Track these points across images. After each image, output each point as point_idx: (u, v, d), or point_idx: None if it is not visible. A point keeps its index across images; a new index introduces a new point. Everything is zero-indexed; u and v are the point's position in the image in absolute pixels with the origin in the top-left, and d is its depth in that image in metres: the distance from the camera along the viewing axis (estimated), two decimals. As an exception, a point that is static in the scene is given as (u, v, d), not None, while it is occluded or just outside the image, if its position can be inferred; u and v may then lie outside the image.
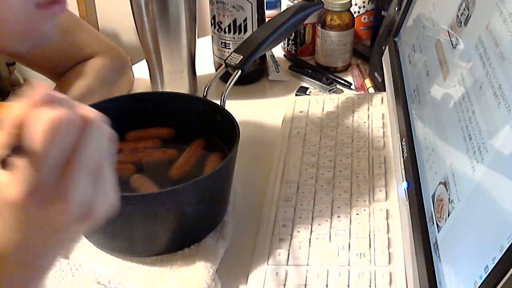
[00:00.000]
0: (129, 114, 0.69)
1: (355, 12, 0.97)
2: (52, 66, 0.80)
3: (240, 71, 0.72)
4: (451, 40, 0.59)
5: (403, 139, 0.64)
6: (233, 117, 0.64)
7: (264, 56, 0.95)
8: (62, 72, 0.79)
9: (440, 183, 0.52)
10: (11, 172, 0.36)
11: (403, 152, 0.63)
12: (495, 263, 0.38)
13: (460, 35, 0.57)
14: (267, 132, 0.82)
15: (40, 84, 0.37)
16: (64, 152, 0.36)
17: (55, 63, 0.79)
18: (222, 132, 0.66)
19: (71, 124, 0.36)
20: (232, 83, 0.71)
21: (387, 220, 0.62)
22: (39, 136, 0.35)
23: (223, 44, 0.91)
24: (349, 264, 0.58)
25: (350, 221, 0.62)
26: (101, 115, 0.39)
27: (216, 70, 0.83)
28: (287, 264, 0.58)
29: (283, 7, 1.02)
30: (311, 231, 0.62)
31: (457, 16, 0.59)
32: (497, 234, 0.39)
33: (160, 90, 0.89)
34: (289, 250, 0.60)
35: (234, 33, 0.88)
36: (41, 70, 0.82)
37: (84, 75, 0.78)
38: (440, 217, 0.49)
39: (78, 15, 1.84)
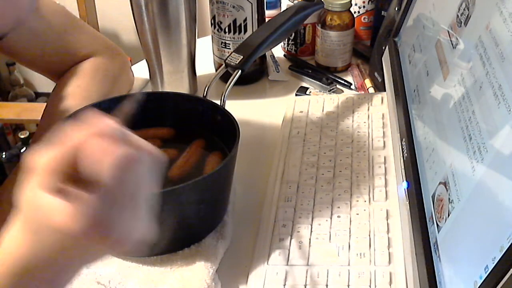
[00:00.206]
0: (129, 114, 0.69)
1: (355, 12, 0.97)
2: (50, 66, 0.80)
3: (240, 71, 0.72)
4: (451, 40, 0.59)
5: (403, 139, 0.64)
6: (233, 117, 0.64)
7: (264, 56, 0.95)
8: (61, 72, 0.79)
9: (440, 183, 0.52)
10: (69, 201, 0.36)
11: (403, 152, 0.63)
12: (495, 263, 0.38)
13: (460, 35, 0.57)
14: (267, 132, 0.82)
15: (95, 112, 0.37)
16: (122, 185, 0.37)
17: (53, 63, 0.79)
18: (222, 132, 0.66)
19: (135, 161, 0.37)
20: (232, 83, 0.71)
21: (387, 220, 0.62)
22: (107, 171, 0.35)
23: (223, 44, 0.91)
24: (349, 264, 0.58)
25: (350, 221, 0.62)
26: (153, 147, 0.39)
27: (216, 70, 0.83)
28: (287, 264, 0.58)
29: (283, 7, 1.02)
30: (311, 231, 0.62)
31: (457, 16, 0.59)
32: (497, 234, 0.39)
33: (160, 90, 0.89)
34: (289, 250, 0.60)
35: (234, 33, 0.88)
36: (39, 70, 0.82)
37: (83, 74, 0.78)
38: (440, 217, 0.49)
39: (78, 15, 1.84)
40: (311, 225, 0.62)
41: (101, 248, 0.39)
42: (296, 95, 0.91)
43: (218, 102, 0.69)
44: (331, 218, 0.63)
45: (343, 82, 0.93)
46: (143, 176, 0.38)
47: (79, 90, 0.76)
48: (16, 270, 0.39)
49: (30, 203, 0.38)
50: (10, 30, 0.62)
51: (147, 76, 0.90)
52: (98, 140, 0.37)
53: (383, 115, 0.80)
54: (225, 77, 0.74)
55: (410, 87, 0.70)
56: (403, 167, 0.62)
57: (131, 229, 0.39)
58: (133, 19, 0.83)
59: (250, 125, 0.83)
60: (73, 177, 0.37)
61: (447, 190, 0.50)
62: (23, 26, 0.71)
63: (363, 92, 0.90)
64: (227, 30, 0.88)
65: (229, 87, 0.70)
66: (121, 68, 0.85)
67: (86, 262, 0.41)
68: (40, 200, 0.37)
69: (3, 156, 2.02)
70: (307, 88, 0.92)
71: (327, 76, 0.94)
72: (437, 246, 0.49)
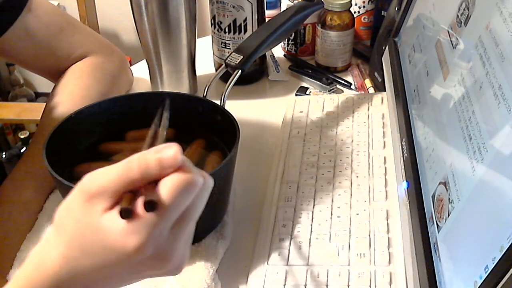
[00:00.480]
0: (129, 114, 0.69)
1: (355, 12, 0.97)
2: (47, 66, 0.80)
3: (240, 71, 0.72)
4: (451, 40, 0.59)
5: (403, 139, 0.64)
6: (233, 117, 0.64)
7: (264, 56, 0.95)
8: (58, 72, 0.79)
9: (440, 183, 0.52)
10: (130, 221, 0.36)
11: (403, 152, 0.63)
12: (495, 263, 0.38)
13: (460, 35, 0.57)
14: (267, 132, 0.82)
15: (171, 147, 0.37)
16: (183, 208, 0.37)
17: (49, 63, 0.79)
18: (222, 132, 0.66)
19: (197, 187, 0.37)
20: (232, 83, 0.71)
21: (387, 220, 0.62)
22: (173, 193, 0.36)
23: (223, 44, 0.91)
24: (349, 264, 0.58)
25: (350, 221, 0.62)
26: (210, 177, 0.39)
27: (216, 70, 0.83)
28: (287, 264, 0.58)
29: (283, 7, 1.02)
30: (311, 231, 0.62)
31: (457, 16, 0.59)
32: (497, 234, 0.39)
33: (160, 90, 0.89)
34: (289, 250, 0.60)
35: (234, 33, 0.88)
36: (36, 70, 0.82)
37: (81, 73, 0.78)
38: (440, 217, 0.49)
39: (78, 15, 1.84)
40: (311, 225, 0.62)
41: (156, 274, 0.39)
42: (296, 95, 0.91)
43: (218, 102, 0.69)
44: (331, 218, 0.63)
45: (343, 82, 0.93)
46: (200, 202, 0.39)
47: (77, 89, 0.76)
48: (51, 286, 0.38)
49: (80, 220, 0.38)
50: None
51: (147, 76, 0.90)
52: (162, 164, 0.37)
53: (383, 115, 0.80)
54: (225, 77, 0.74)
55: (410, 87, 0.70)
56: (403, 167, 0.62)
57: (185, 254, 0.40)
58: (133, 19, 0.83)
59: (250, 125, 0.83)
60: (132, 198, 0.37)
61: (447, 190, 0.50)
62: (19, 26, 0.72)
63: (363, 92, 0.90)
64: (227, 30, 0.88)
65: (229, 87, 0.70)
66: (119, 67, 0.85)
67: (128, 283, 0.41)
68: (97, 219, 0.37)
69: (3, 156, 2.02)
70: (307, 88, 0.92)
71: (327, 76, 0.94)
72: (437, 246, 0.49)
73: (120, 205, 0.36)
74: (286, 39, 1.00)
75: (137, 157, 0.37)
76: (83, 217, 0.37)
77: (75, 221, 0.38)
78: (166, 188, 0.36)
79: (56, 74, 0.80)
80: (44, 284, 0.38)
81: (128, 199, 0.37)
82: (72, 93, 0.75)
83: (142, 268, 0.38)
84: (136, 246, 0.36)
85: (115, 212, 0.36)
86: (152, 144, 0.44)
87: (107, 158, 0.66)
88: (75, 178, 0.62)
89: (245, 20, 0.87)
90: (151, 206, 0.36)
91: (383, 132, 0.76)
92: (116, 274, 0.39)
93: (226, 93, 0.70)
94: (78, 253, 0.38)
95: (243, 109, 0.82)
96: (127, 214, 0.36)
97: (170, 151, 0.37)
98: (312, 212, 0.64)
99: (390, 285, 0.55)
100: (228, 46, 0.90)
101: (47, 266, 0.38)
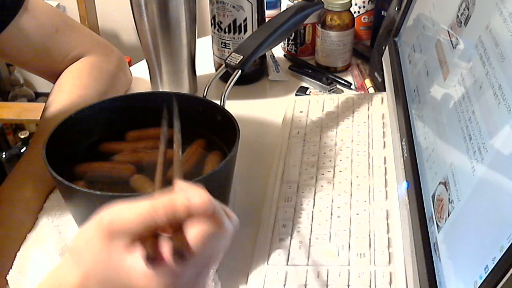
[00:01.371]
0: (129, 114, 0.69)
1: (355, 12, 0.97)
2: (44, 66, 0.80)
3: (240, 71, 0.72)
4: (451, 40, 0.59)
5: (403, 139, 0.64)
6: (233, 117, 0.64)
7: (264, 56, 0.95)
8: (56, 72, 0.79)
9: (440, 183, 0.52)
10: (155, 266, 0.35)
11: (403, 152, 0.63)
12: (495, 263, 0.38)
13: (460, 35, 0.57)
14: (267, 132, 0.82)
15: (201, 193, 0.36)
16: (206, 256, 0.37)
17: (46, 63, 0.79)
18: (222, 132, 0.66)
19: (223, 234, 0.37)
20: (232, 83, 0.71)
21: (387, 220, 0.62)
22: (203, 242, 0.35)
23: (223, 44, 0.91)
24: (349, 264, 0.58)
25: (350, 221, 0.62)
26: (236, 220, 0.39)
27: (216, 70, 0.83)
28: (287, 264, 0.58)
29: (283, 7, 1.02)
30: (311, 231, 0.62)
31: (457, 16, 0.59)
32: (497, 234, 0.39)
33: (160, 90, 0.89)
34: (289, 250, 0.60)
35: (234, 33, 0.88)
36: (34, 71, 0.82)
37: (79, 73, 0.78)
38: (440, 217, 0.49)
39: (78, 15, 1.84)
40: (311, 225, 0.62)
41: None
42: (296, 95, 0.91)
43: (218, 102, 0.69)
44: (331, 218, 0.63)
45: (343, 82, 0.93)
46: (225, 245, 0.38)
47: (76, 89, 0.76)
48: None
49: (100, 255, 0.37)
50: None
51: (147, 76, 0.90)
52: (190, 210, 0.36)
53: (383, 115, 0.80)
54: (225, 77, 0.74)
55: (410, 87, 0.70)
56: (403, 167, 0.62)
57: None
58: (133, 19, 0.83)
59: (250, 125, 0.83)
60: (156, 242, 0.36)
61: (447, 190, 0.50)
62: (15, 26, 0.71)
63: (363, 92, 0.90)
64: (227, 30, 0.88)
65: (229, 87, 0.70)
66: (117, 66, 0.85)
67: None
68: (118, 256, 0.36)
69: (3, 156, 2.02)
70: (307, 88, 0.92)
71: (327, 76, 0.94)
72: (437, 246, 0.49)
73: (145, 249, 0.35)
74: (286, 39, 1.00)
75: (164, 201, 0.36)
76: (103, 252, 0.36)
77: (94, 254, 0.37)
78: (195, 237, 0.35)
79: (54, 74, 0.80)
80: None
81: (152, 243, 0.36)
82: (70, 93, 0.75)
83: None
84: None
85: (139, 253, 0.35)
86: (165, 159, 0.43)
87: (107, 158, 0.66)
88: (75, 178, 0.62)
89: (245, 20, 0.87)
90: (180, 256, 0.35)
91: (383, 132, 0.76)
92: None
93: (226, 93, 0.70)
94: (96, 286, 0.37)
95: (243, 109, 0.82)
96: (154, 261, 0.35)
97: (198, 197, 0.36)
98: (312, 212, 0.64)
99: (390, 285, 0.55)
100: (228, 46, 0.90)
101: None
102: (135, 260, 0.36)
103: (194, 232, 0.36)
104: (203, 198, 0.36)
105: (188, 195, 0.36)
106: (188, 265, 0.36)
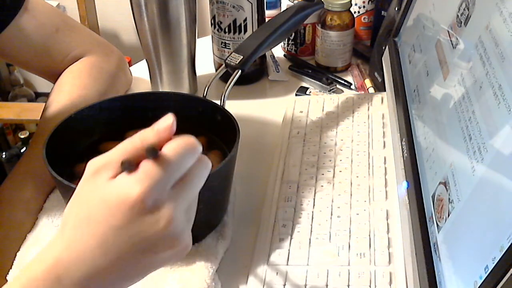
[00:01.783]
0: (129, 114, 0.69)
1: (355, 12, 0.97)
2: (44, 66, 0.80)
3: (240, 71, 0.72)
4: (451, 40, 0.59)
5: (403, 139, 0.64)
6: (233, 117, 0.64)
7: (264, 56, 0.95)
8: (56, 72, 0.79)
9: (440, 183, 0.52)
10: (131, 173, 0.38)
11: (403, 152, 0.63)
12: (495, 263, 0.38)
13: (460, 35, 0.57)
14: (267, 132, 0.82)
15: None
16: (184, 169, 0.40)
17: (46, 63, 0.79)
18: (222, 132, 0.66)
19: (198, 151, 0.41)
20: (232, 83, 0.71)
21: (387, 220, 0.62)
22: (174, 148, 0.39)
23: (223, 44, 0.91)
24: (349, 264, 0.58)
25: (350, 221, 0.62)
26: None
27: (216, 70, 0.83)
28: (287, 264, 0.58)
29: (283, 7, 1.02)
30: (311, 231, 0.62)
31: (457, 16, 0.59)
32: (497, 234, 0.39)
33: (160, 90, 0.89)
34: (289, 250, 0.60)
35: (234, 33, 0.88)
36: (34, 71, 0.82)
37: (79, 73, 0.78)
38: (440, 217, 0.49)
39: (78, 15, 1.84)
40: (311, 225, 0.62)
41: (157, 243, 0.39)
42: (296, 95, 0.91)
43: (218, 102, 0.69)
44: (331, 218, 0.63)
45: (343, 82, 0.93)
46: (199, 173, 0.41)
47: (75, 89, 0.76)
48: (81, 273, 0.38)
49: (85, 194, 0.39)
50: None
51: (147, 76, 0.90)
52: (159, 130, 0.40)
53: (383, 115, 0.80)
54: (225, 77, 0.74)
55: (410, 87, 0.70)
56: (403, 167, 0.62)
57: (183, 231, 0.40)
58: (133, 19, 0.83)
59: (250, 125, 0.83)
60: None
61: (447, 190, 0.50)
62: (15, 26, 0.71)
63: (363, 92, 0.90)
64: (227, 30, 0.88)
65: (229, 87, 0.70)
66: (117, 66, 0.85)
67: (138, 272, 0.41)
68: (102, 185, 0.38)
69: (3, 156, 2.02)
70: (307, 88, 0.92)
71: (327, 76, 0.94)
72: (437, 246, 0.49)
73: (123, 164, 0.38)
74: (286, 39, 1.00)
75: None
76: (88, 190, 0.39)
77: (80, 199, 0.39)
78: (168, 145, 0.39)
79: (54, 74, 0.80)
80: (44, 273, 0.38)
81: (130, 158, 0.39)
82: (70, 93, 0.75)
83: (152, 246, 0.38)
84: (138, 193, 0.37)
85: (120, 175, 0.38)
86: None
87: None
88: (75, 178, 0.62)
89: (245, 20, 0.87)
90: (151, 152, 0.38)
91: (383, 132, 0.76)
92: (126, 257, 0.38)
93: (226, 93, 0.70)
94: (83, 227, 0.38)
95: (243, 109, 0.82)
96: (128, 165, 0.38)
97: (166, 120, 0.40)
98: (312, 212, 0.64)
99: (390, 285, 0.55)
100: (228, 46, 0.90)
101: (47, 255, 0.39)
102: (115, 180, 0.38)
103: (167, 144, 0.39)
104: (169, 120, 0.40)
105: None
106: (163, 170, 0.38)
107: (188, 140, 0.40)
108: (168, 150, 0.38)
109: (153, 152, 0.38)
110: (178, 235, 0.39)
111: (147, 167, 0.38)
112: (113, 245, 0.38)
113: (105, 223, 0.37)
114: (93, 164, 0.39)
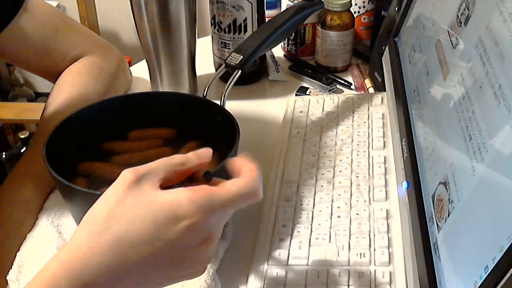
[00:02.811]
0: (129, 114, 0.69)
1: (355, 12, 0.97)
2: (44, 66, 0.80)
3: (240, 71, 0.72)
4: (451, 40, 0.59)
5: (403, 139, 0.64)
6: (233, 117, 0.64)
7: (264, 56, 0.95)
8: (56, 72, 0.79)
9: (440, 183, 0.52)
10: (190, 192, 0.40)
11: (403, 152, 0.63)
12: (495, 263, 0.38)
13: (460, 35, 0.57)
14: (267, 132, 0.82)
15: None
16: (237, 208, 0.43)
17: (46, 63, 0.79)
18: (222, 132, 0.66)
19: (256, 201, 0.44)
20: (232, 83, 0.71)
21: (387, 220, 0.62)
22: (240, 189, 0.43)
23: (223, 44, 0.91)
24: (349, 264, 0.58)
25: (350, 221, 0.62)
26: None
27: (216, 70, 0.83)
28: (287, 264, 0.58)
29: (283, 7, 1.02)
30: (311, 231, 0.62)
31: (457, 16, 0.59)
32: (497, 234, 0.39)
33: (160, 90, 0.89)
34: (289, 250, 0.60)
35: (234, 33, 0.88)
36: (34, 71, 0.82)
37: (79, 73, 0.78)
38: (440, 217, 0.49)
39: (78, 15, 1.84)
40: (311, 225, 0.62)
41: (190, 271, 0.42)
42: (296, 95, 0.91)
43: (218, 102, 0.69)
44: (331, 218, 0.63)
45: (343, 82, 0.93)
46: (244, 202, 0.44)
47: (75, 88, 0.76)
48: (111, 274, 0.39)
49: (126, 200, 0.40)
50: None
51: (147, 76, 0.90)
52: (199, 155, 0.44)
53: (383, 115, 0.80)
54: (225, 77, 0.74)
55: (410, 87, 0.70)
56: (403, 167, 0.62)
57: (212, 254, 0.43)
58: (133, 19, 0.83)
59: (250, 125, 0.83)
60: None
61: (447, 190, 0.50)
62: (15, 26, 0.71)
63: (363, 92, 0.90)
64: (227, 30, 0.88)
65: (229, 87, 0.70)
66: (117, 66, 0.85)
67: (165, 283, 0.43)
68: (149, 192, 0.40)
69: (3, 156, 2.02)
70: (307, 88, 0.92)
71: (327, 76, 0.94)
72: (437, 246, 0.49)
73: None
74: (286, 39, 1.00)
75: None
76: (130, 197, 0.40)
77: (124, 204, 0.40)
78: (240, 181, 0.42)
79: (53, 74, 0.80)
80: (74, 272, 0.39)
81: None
82: (70, 93, 0.75)
83: (186, 261, 0.40)
84: (195, 210, 0.39)
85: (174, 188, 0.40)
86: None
87: (107, 158, 0.66)
88: (75, 178, 0.62)
89: (245, 20, 0.87)
90: (207, 175, 0.42)
91: (383, 132, 0.76)
92: (158, 263, 0.39)
93: (226, 93, 0.70)
94: (130, 233, 0.39)
95: (243, 109, 0.82)
96: (209, 176, 0.42)
97: (205, 150, 0.44)
98: (312, 212, 0.64)
99: (390, 285, 0.55)
100: (228, 46, 0.90)
101: (92, 260, 0.39)
102: (170, 191, 0.40)
103: (234, 181, 0.43)
104: (208, 150, 0.45)
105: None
106: (221, 201, 0.41)
107: (257, 192, 0.44)
108: (238, 185, 0.42)
109: (209, 176, 0.42)
110: (209, 258, 0.43)
111: (205, 190, 0.40)
112: (160, 254, 0.40)
113: (155, 232, 0.39)
114: (132, 172, 0.40)
